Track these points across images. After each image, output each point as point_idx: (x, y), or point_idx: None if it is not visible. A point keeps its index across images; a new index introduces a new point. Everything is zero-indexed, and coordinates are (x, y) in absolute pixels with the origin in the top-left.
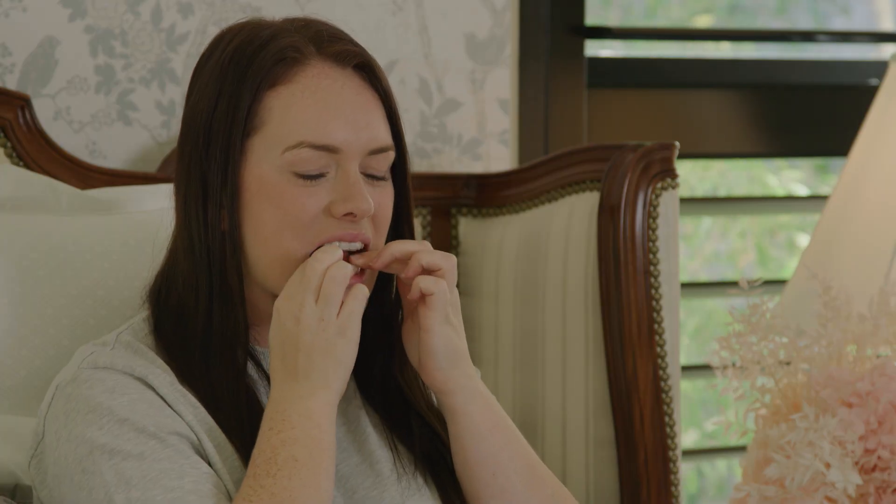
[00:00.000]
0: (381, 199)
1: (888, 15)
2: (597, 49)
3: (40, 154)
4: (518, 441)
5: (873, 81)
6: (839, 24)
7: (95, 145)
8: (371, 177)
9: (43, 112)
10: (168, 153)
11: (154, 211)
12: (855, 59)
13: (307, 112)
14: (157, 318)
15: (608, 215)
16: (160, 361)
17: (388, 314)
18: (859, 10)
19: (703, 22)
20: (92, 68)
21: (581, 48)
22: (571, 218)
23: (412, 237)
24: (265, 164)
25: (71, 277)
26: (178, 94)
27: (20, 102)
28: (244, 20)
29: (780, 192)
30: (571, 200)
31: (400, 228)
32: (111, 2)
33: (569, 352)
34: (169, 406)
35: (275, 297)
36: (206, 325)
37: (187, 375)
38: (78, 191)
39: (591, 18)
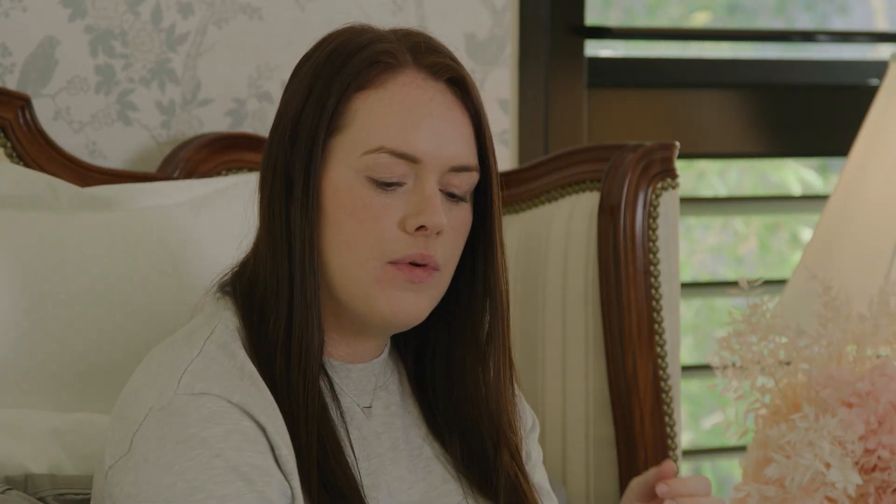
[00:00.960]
0: (455, 221)
1: (884, 15)
2: (597, 49)
3: (40, 154)
4: None
5: (873, 81)
6: (838, 24)
7: (95, 145)
8: (450, 195)
9: (43, 112)
10: (168, 153)
11: (153, 208)
12: (855, 59)
13: (391, 118)
14: (246, 315)
15: (608, 215)
16: (250, 367)
17: (481, 350)
18: (858, 9)
19: (701, 18)
20: (92, 68)
21: (581, 48)
22: (571, 218)
23: (501, 266)
24: (344, 165)
25: (71, 274)
26: (178, 94)
27: (20, 102)
28: (349, 24)
29: (794, 185)
30: (571, 200)
31: (487, 255)
32: (111, 2)
33: (569, 352)
34: (268, 438)
35: (346, 305)
36: (287, 330)
37: (273, 385)
38: (77, 188)
39: (591, 18)
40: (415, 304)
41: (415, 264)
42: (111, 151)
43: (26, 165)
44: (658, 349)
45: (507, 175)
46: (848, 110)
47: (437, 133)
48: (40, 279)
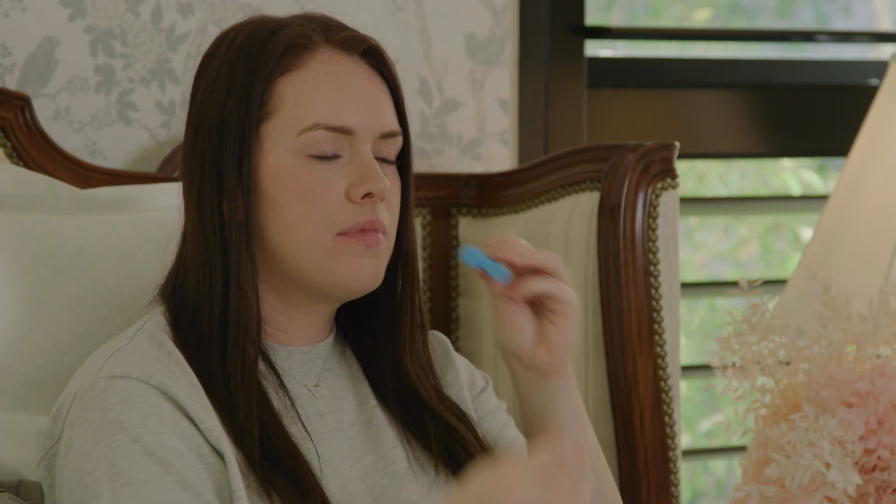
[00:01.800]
0: (392, 185)
1: (888, 15)
2: (597, 49)
3: (40, 154)
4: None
5: (873, 81)
6: (840, 25)
7: (95, 145)
8: (381, 160)
9: (43, 112)
10: (168, 153)
11: (153, 210)
12: (855, 59)
13: (321, 95)
14: (174, 314)
15: (608, 215)
16: (178, 355)
17: (394, 310)
18: (860, 10)
19: (703, 15)
20: (92, 68)
21: (581, 48)
22: (571, 218)
23: (412, 227)
24: (280, 148)
25: (71, 275)
26: (178, 94)
27: (20, 102)
28: (245, 18)
29: (794, 186)
30: (571, 200)
31: (402, 217)
32: (111, 2)
33: None
34: (187, 415)
35: (300, 282)
36: (221, 320)
37: (204, 373)
38: (77, 190)
39: (592, 18)
40: (372, 267)
41: (364, 231)
42: (111, 151)
43: (26, 166)
44: (658, 349)
45: (507, 175)
46: (848, 110)
47: (365, 103)
48: (40, 281)
